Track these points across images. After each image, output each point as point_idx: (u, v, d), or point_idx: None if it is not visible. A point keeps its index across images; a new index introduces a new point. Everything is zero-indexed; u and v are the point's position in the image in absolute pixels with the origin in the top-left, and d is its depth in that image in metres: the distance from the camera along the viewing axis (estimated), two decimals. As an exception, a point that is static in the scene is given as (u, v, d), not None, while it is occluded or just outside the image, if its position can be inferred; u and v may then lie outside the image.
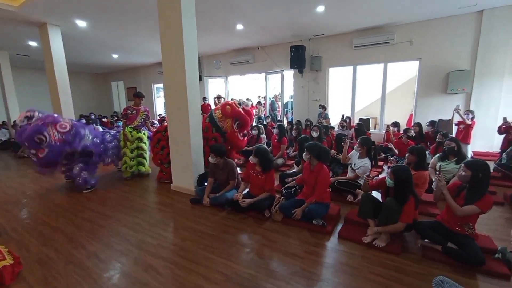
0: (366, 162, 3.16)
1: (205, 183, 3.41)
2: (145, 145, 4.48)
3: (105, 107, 13.51)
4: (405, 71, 8.08)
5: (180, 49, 3.30)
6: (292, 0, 4.48)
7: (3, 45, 7.05)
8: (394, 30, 6.01)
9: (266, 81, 8.74)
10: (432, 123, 5.09)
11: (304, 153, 2.80)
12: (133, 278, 1.95)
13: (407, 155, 3.06)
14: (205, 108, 8.11)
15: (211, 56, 9.13)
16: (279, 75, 8.20)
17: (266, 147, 3.10)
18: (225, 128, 4.08)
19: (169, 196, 3.63)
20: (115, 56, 8.97)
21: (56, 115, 3.81)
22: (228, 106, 4.10)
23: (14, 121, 8.52)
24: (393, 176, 2.24)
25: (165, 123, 4.44)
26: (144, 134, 4.47)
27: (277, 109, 9.95)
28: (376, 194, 2.81)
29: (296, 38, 7.03)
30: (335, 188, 3.29)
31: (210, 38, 6.88)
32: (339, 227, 2.63)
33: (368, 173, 2.83)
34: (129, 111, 4.31)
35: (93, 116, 10.80)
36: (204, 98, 8.53)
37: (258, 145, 3.31)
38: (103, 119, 10.15)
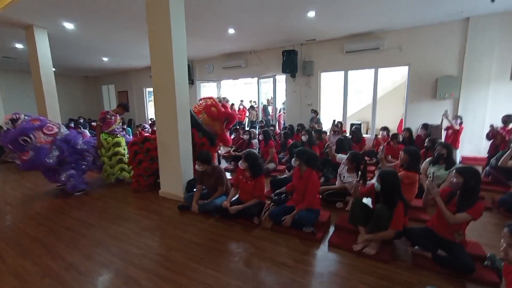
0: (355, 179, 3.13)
1: (194, 189, 3.33)
2: (124, 149, 4.30)
3: (95, 110, 13.22)
4: (396, 76, 8.22)
5: (169, 53, 3.24)
6: (283, 6, 4.48)
7: (-12, 47, 6.85)
8: (383, 36, 6.10)
9: (258, 85, 8.73)
10: (425, 126, 5.01)
11: (293, 159, 2.76)
12: (113, 292, 1.85)
13: (400, 155, 3.06)
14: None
15: (204, 60, 9.09)
16: (271, 79, 8.20)
17: (256, 152, 3.05)
18: (214, 130, 3.99)
19: (157, 203, 3.52)
20: (105, 59, 8.82)
21: (42, 117, 3.74)
22: (213, 108, 3.99)
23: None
24: (380, 180, 2.23)
25: (144, 132, 4.41)
26: (122, 139, 4.34)
27: (270, 114, 9.96)
28: (367, 201, 2.78)
29: (288, 43, 7.05)
30: (324, 199, 3.25)
31: (202, 43, 6.84)
32: (329, 234, 2.59)
33: (358, 178, 2.78)
34: (108, 116, 4.13)
35: (82, 120, 10.60)
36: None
37: (248, 150, 3.26)
38: (93, 123, 9.94)
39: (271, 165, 4.79)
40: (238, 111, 9.50)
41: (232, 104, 8.87)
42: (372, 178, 4.29)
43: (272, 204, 2.91)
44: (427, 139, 4.20)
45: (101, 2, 4.15)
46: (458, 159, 4.72)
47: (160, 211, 3.26)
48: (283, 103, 8.77)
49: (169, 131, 3.49)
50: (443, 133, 5.29)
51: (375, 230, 2.24)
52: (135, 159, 3.88)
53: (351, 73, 7.01)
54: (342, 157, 3.42)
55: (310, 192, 2.62)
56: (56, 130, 3.66)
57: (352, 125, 6.88)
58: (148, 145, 3.87)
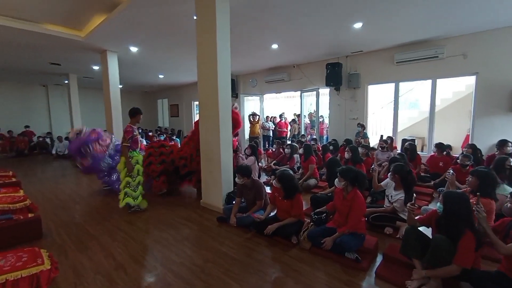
0: (403, 195, 2.79)
1: (234, 202, 3.37)
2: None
3: (151, 122, 14.76)
4: (459, 87, 7.27)
5: (214, 67, 3.43)
6: (328, 19, 4.42)
7: (73, 69, 8.28)
8: (443, 43, 5.50)
9: (301, 98, 8.64)
10: (503, 143, 4.10)
11: (337, 179, 2.57)
12: (153, 297, 1.93)
13: (468, 178, 2.61)
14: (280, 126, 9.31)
15: (248, 74, 9.44)
16: (314, 92, 8.04)
17: (292, 172, 2.88)
18: None
19: (197, 213, 3.65)
20: (161, 76, 9.84)
21: (99, 130, 4.42)
22: None
23: (67, 137, 9.72)
24: (443, 200, 1.91)
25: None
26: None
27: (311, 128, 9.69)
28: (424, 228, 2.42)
29: (332, 55, 6.89)
30: (370, 223, 2.93)
31: (246, 58, 7.13)
32: (376, 263, 2.32)
33: (413, 201, 2.43)
34: (135, 133, 3.57)
35: (140, 130, 11.85)
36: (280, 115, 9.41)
37: (283, 169, 3.20)
38: (149, 133, 11.05)
39: (312, 181, 4.60)
40: (279, 123, 9.52)
41: (253, 115, 9.08)
42: (429, 203, 3.78)
43: (311, 224, 2.76)
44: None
45: (160, 27, 4.68)
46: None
47: (200, 221, 3.37)
48: (321, 116, 8.59)
49: (211, 142, 3.64)
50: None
51: (432, 265, 1.91)
52: (147, 159, 4.24)
53: (403, 84, 6.45)
54: (388, 181, 3.08)
55: (355, 215, 2.40)
56: (108, 141, 4.40)
57: (404, 140, 6.23)
58: (162, 150, 4.33)
